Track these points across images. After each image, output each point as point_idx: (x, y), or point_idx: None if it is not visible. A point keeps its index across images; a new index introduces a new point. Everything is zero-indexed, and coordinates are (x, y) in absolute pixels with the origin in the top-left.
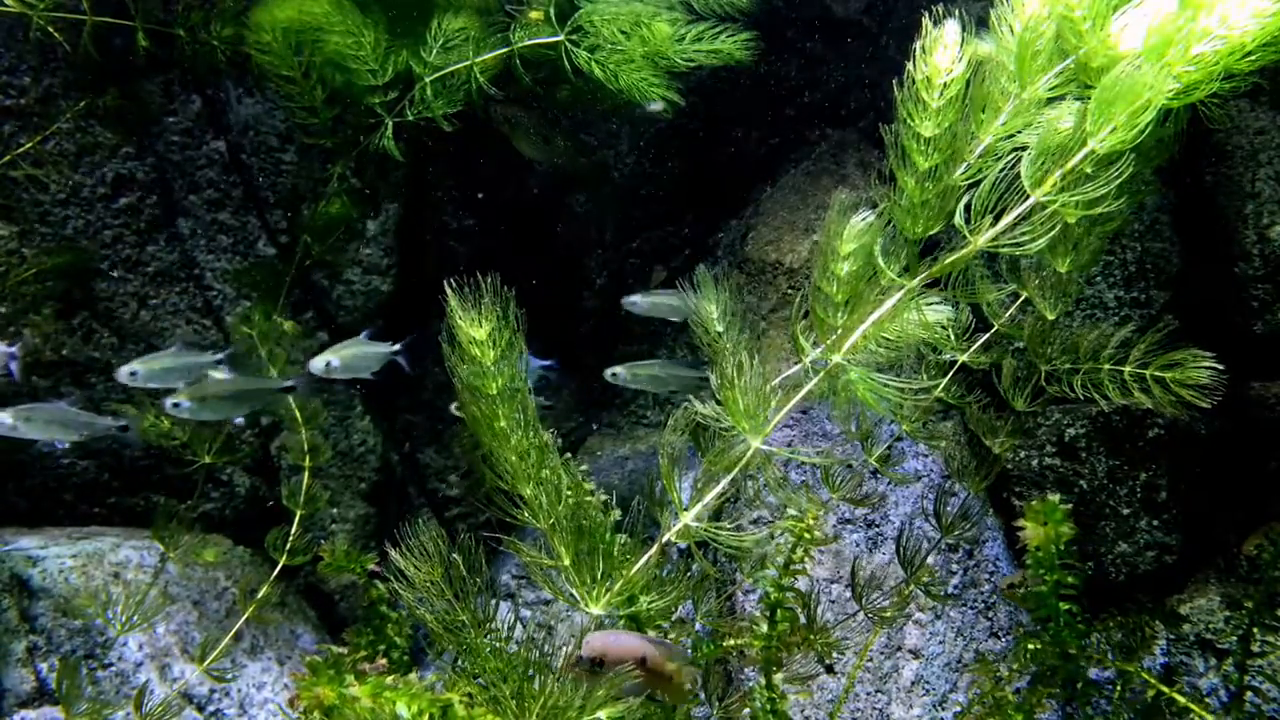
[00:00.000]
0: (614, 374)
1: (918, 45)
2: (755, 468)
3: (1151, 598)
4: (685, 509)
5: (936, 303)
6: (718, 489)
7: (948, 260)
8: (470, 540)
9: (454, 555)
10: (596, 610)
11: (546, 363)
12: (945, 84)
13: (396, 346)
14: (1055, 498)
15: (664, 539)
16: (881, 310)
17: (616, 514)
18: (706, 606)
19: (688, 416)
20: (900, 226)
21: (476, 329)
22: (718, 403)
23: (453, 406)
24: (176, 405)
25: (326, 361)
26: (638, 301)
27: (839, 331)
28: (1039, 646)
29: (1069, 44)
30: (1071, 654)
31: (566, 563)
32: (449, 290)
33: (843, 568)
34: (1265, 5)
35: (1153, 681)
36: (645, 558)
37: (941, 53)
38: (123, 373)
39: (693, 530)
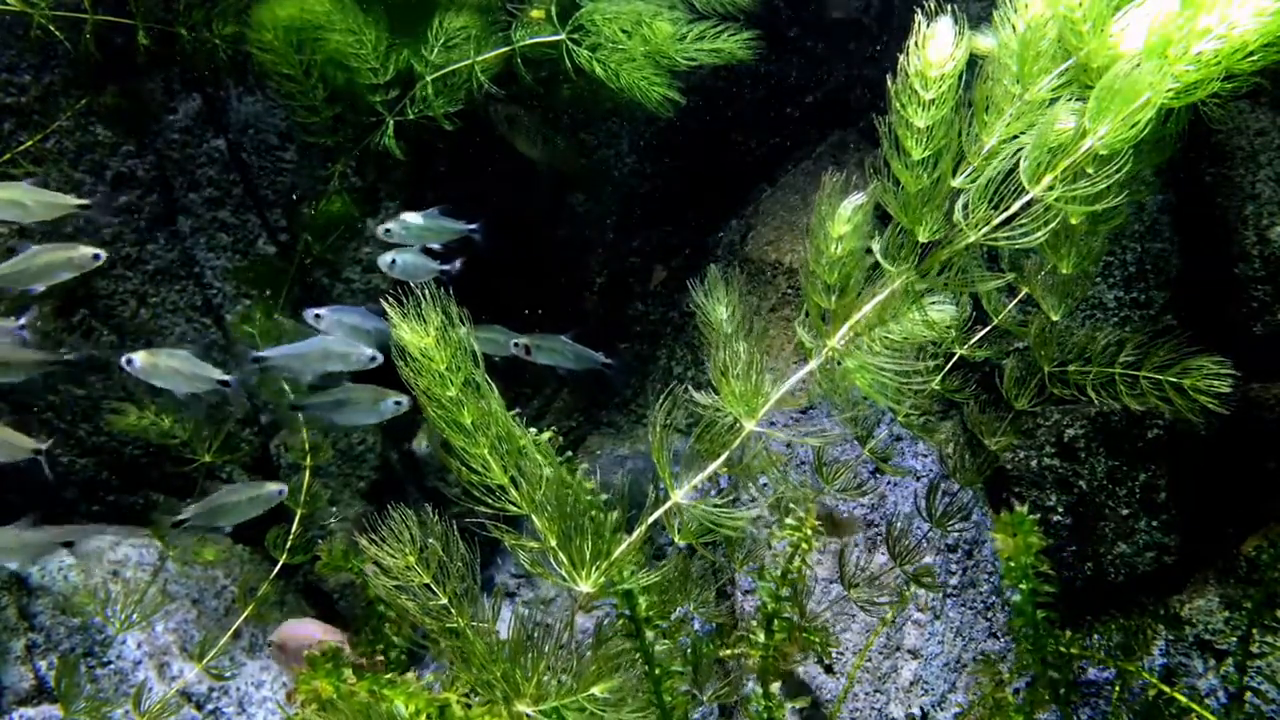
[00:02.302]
0: (517, 343)
1: (912, 39)
2: (750, 455)
3: (1151, 598)
4: (675, 488)
5: (942, 301)
6: (710, 468)
7: (944, 251)
8: (447, 521)
9: (430, 540)
10: (587, 587)
11: (444, 266)
12: (940, 76)
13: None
14: (1024, 508)
15: (653, 516)
16: (879, 298)
17: (613, 516)
18: (702, 598)
19: (678, 395)
20: (895, 217)
21: (422, 337)
22: (715, 392)
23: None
24: (129, 361)
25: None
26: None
27: (833, 317)
28: (1026, 651)
29: (1070, 44)
30: (1051, 660)
31: (553, 543)
32: (387, 305)
33: (845, 571)
34: (1266, 4)
35: (1154, 681)
36: (635, 534)
37: (935, 46)
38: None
39: (683, 508)
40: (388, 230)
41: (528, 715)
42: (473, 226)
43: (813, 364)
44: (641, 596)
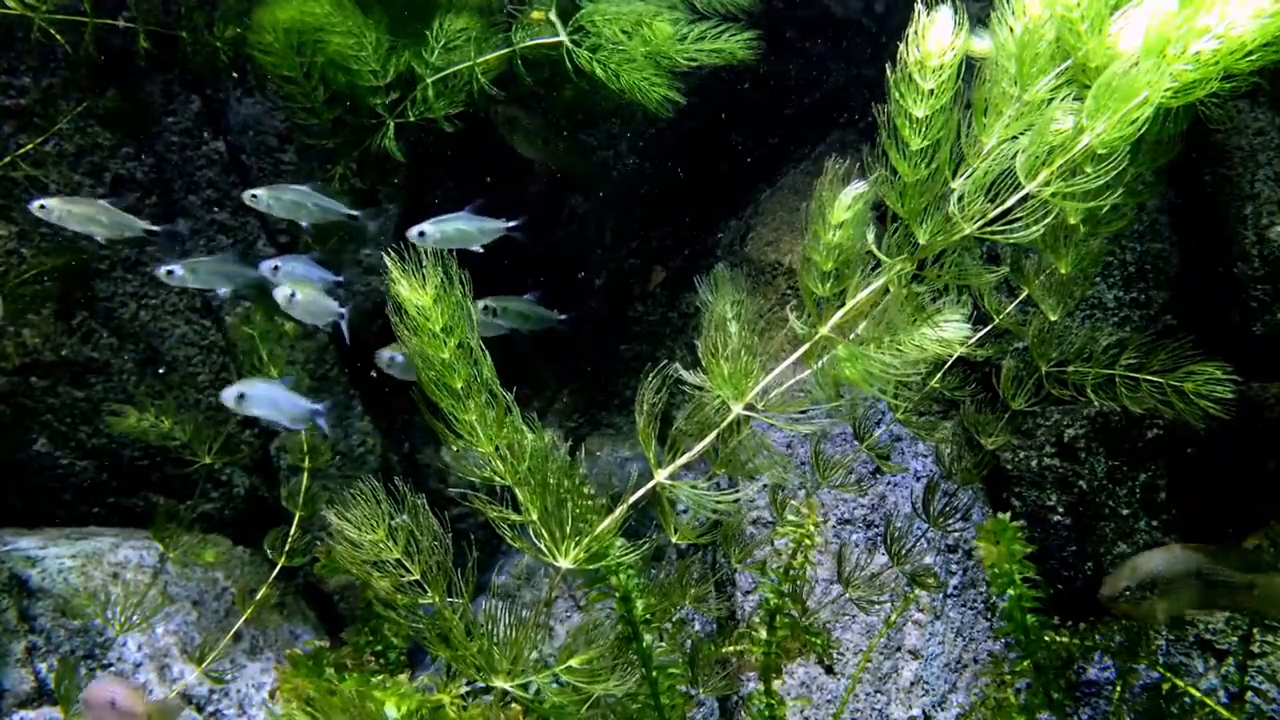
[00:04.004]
0: (484, 306)
1: (912, 29)
2: (737, 440)
3: None
4: (660, 467)
5: (956, 320)
6: (697, 448)
7: (939, 241)
8: (415, 497)
9: (403, 516)
10: (566, 564)
11: (339, 277)
12: (939, 66)
13: None
14: (1005, 515)
15: (636, 494)
16: (874, 286)
17: (591, 488)
18: (699, 594)
19: (666, 375)
20: (892, 207)
21: (420, 295)
22: (704, 372)
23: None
24: (41, 207)
25: None
26: None
27: (827, 305)
28: (1019, 656)
29: (1069, 44)
30: (1043, 665)
31: (534, 517)
32: (388, 257)
33: (844, 569)
34: (1265, 5)
35: (1168, 675)
36: (618, 510)
37: (934, 36)
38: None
39: (666, 488)
40: (254, 197)
41: (505, 690)
42: (354, 213)
43: (803, 349)
44: (639, 599)
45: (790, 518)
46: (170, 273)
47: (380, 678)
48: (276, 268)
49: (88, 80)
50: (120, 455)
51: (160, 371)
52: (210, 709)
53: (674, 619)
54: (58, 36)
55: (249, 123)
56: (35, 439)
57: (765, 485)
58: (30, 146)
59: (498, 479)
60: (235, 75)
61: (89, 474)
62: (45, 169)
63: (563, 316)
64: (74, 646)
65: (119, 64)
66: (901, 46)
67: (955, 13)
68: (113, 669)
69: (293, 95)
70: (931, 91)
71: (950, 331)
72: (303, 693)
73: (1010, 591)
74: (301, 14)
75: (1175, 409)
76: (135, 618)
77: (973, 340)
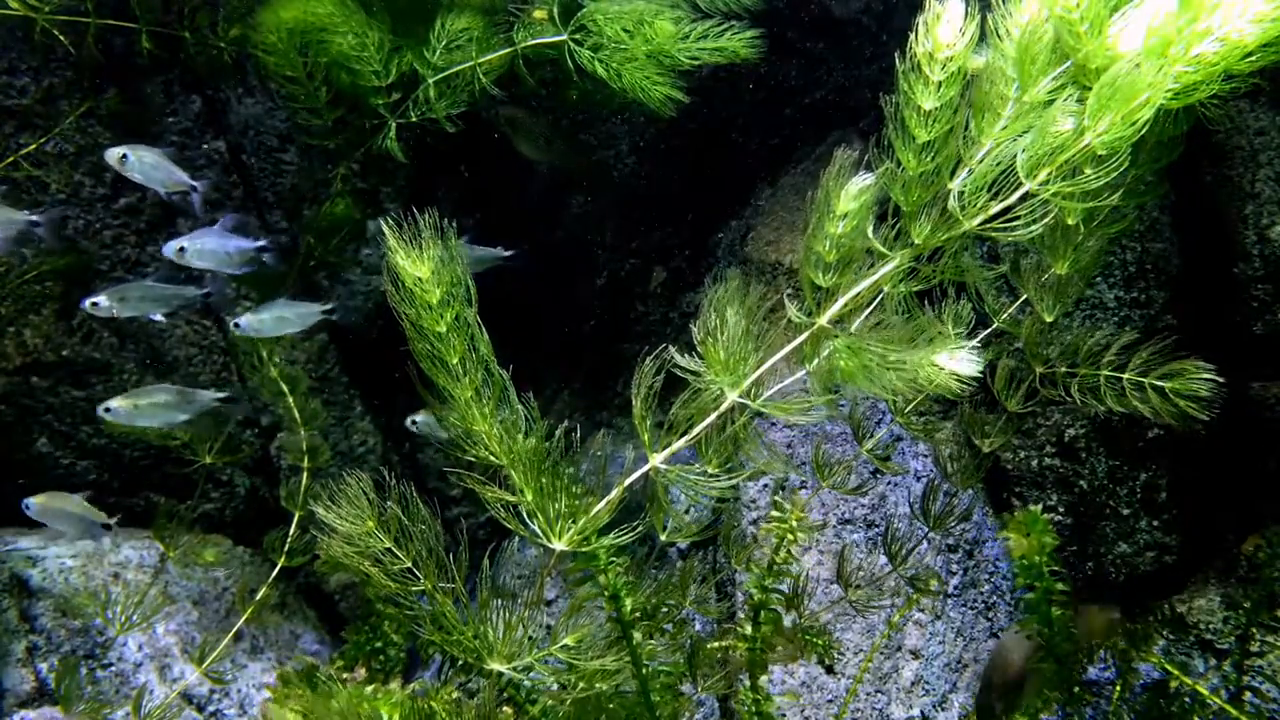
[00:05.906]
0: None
1: (921, 20)
2: (734, 427)
3: (1152, 598)
4: (655, 452)
5: (969, 354)
6: (697, 430)
7: (939, 237)
8: (406, 486)
9: (390, 505)
10: (560, 546)
11: (260, 243)
12: (949, 58)
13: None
14: (1037, 508)
15: (631, 478)
16: (874, 278)
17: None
18: (697, 592)
19: (662, 359)
20: (895, 199)
21: (419, 267)
22: (699, 358)
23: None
24: None
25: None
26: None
27: (826, 296)
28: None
29: (1068, 45)
30: (1064, 660)
31: (529, 499)
32: (385, 227)
33: (844, 569)
34: (1266, 9)
35: (1174, 672)
36: (613, 493)
37: (945, 27)
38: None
39: (661, 473)
40: (124, 157)
41: (501, 674)
42: (195, 184)
43: (803, 338)
44: (628, 598)
45: (773, 513)
46: (95, 304)
47: (372, 687)
48: (183, 249)
49: (89, 80)
50: (121, 455)
51: (161, 371)
52: (211, 709)
53: (675, 620)
54: (60, 37)
55: (250, 123)
56: (36, 439)
57: (766, 485)
58: (33, 147)
59: (493, 459)
60: (236, 75)
61: (90, 474)
62: (47, 169)
63: (509, 253)
64: (75, 646)
65: (120, 64)
66: (911, 38)
67: (966, 4)
68: (113, 669)
69: (295, 95)
70: (939, 84)
71: (962, 366)
72: (291, 713)
73: (1037, 584)
74: (305, 14)
75: (1156, 409)
76: (136, 617)
77: (974, 342)
